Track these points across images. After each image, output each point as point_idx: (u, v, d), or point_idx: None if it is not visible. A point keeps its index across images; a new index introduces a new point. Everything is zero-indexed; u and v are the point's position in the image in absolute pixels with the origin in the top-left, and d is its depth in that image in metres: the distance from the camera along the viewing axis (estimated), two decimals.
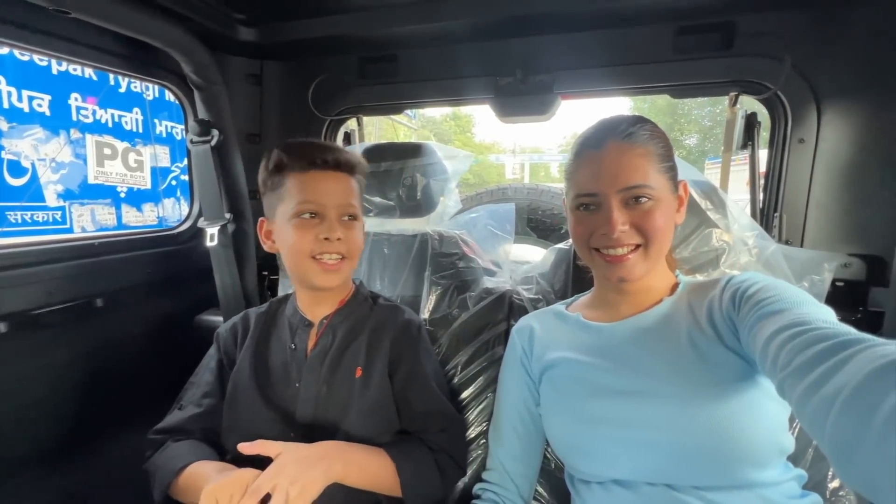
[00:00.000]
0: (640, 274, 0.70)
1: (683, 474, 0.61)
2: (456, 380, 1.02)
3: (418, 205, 1.16)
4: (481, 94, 1.25)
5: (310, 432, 0.81)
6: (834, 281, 1.06)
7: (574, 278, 1.06)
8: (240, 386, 0.87)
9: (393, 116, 6.99)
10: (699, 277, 0.83)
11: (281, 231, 0.85)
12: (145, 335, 1.28)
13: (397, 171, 1.17)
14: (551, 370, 0.77)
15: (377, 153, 1.20)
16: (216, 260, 1.27)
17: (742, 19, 1.06)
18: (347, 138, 1.47)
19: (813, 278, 0.93)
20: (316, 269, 0.83)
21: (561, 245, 1.13)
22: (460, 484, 0.95)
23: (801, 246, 1.12)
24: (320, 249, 0.82)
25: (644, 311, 0.74)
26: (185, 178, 1.52)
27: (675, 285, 0.76)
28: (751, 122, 1.14)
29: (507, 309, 1.09)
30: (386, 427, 0.84)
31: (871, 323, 1.02)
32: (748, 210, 1.19)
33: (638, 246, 0.69)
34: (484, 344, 1.04)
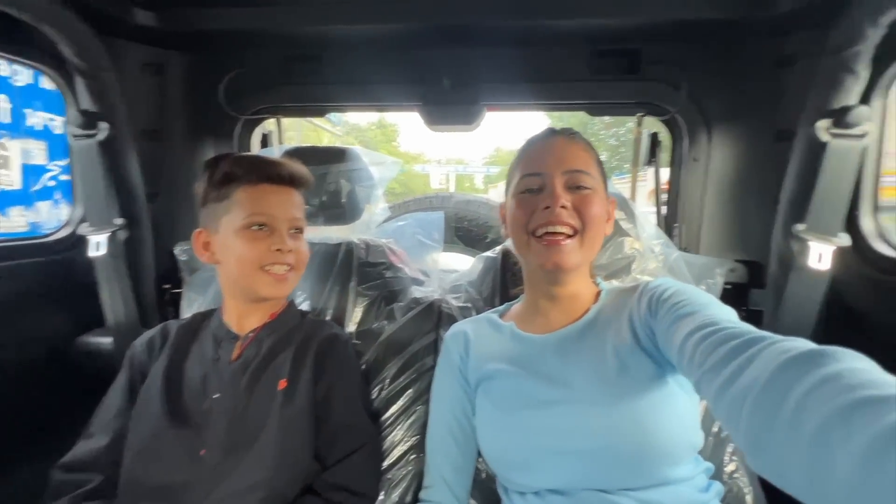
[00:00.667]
0: (575, 263, 0.71)
1: (613, 477, 0.63)
2: (384, 393, 0.98)
3: (343, 211, 1.10)
4: (409, 101, 1.24)
5: (223, 448, 0.76)
6: (723, 284, 1.20)
7: (501, 286, 1.07)
8: (147, 401, 0.81)
9: (316, 121, 6.74)
10: (615, 283, 0.88)
11: (226, 242, 0.83)
12: (15, 362, 1.07)
13: (320, 175, 1.11)
14: (487, 382, 0.76)
15: (299, 157, 1.12)
16: (103, 272, 1.10)
17: (647, 47, 1.16)
18: (265, 140, 1.37)
19: (708, 282, 1.04)
20: (266, 280, 0.83)
21: (489, 253, 1.14)
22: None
23: (698, 253, 1.25)
24: (271, 260, 0.82)
25: (573, 321, 0.76)
26: (69, 178, 1.31)
27: (598, 293, 0.80)
28: (654, 141, 1.26)
29: (436, 318, 1.07)
30: (302, 443, 0.79)
31: (752, 321, 1.15)
32: (654, 220, 1.30)
33: (574, 233, 0.70)
34: (413, 355, 1.01)
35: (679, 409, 0.64)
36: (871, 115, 0.89)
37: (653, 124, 1.30)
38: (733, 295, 1.21)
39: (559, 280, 0.75)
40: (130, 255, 1.13)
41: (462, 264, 1.84)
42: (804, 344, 0.42)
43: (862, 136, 0.86)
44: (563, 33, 1.14)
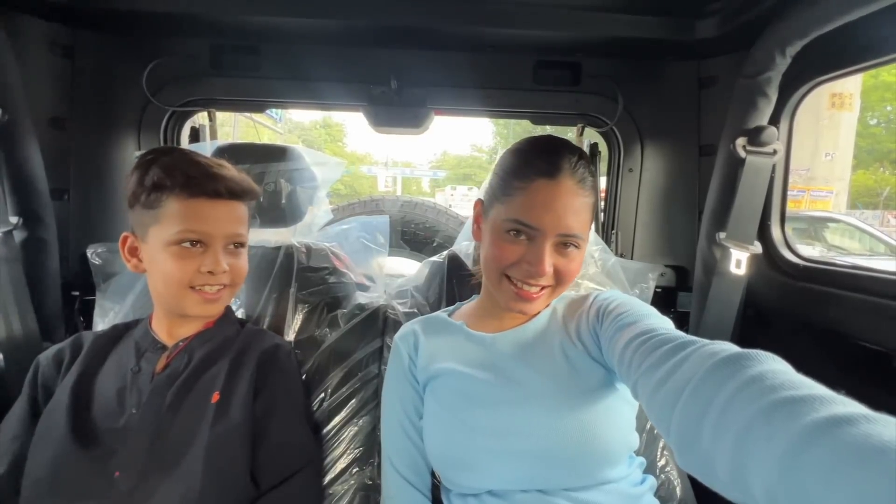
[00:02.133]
0: (540, 308, 0.73)
1: (554, 478, 0.64)
2: (326, 404, 0.93)
3: (282, 214, 1.05)
4: (354, 101, 1.20)
5: (141, 470, 0.69)
6: (654, 287, 1.28)
7: (448, 291, 1.07)
8: (50, 421, 0.72)
9: (255, 118, 6.41)
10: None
11: (154, 255, 0.75)
12: None
13: (257, 175, 1.04)
14: (435, 381, 0.75)
15: (233, 154, 1.05)
16: None
17: (587, 62, 1.21)
18: (196, 134, 1.27)
19: (642, 286, 1.10)
20: (194, 299, 0.76)
21: (435, 258, 1.14)
22: None
23: (632, 257, 1.32)
24: (202, 281, 0.76)
25: (524, 323, 0.77)
26: None
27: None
28: (593, 151, 1.31)
29: (381, 325, 1.04)
30: (235, 464, 0.73)
31: (680, 321, 1.25)
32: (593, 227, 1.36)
33: (548, 287, 0.69)
34: (357, 363, 0.98)
35: (621, 411, 0.67)
36: (780, 136, 0.98)
37: (593, 135, 1.36)
38: (663, 298, 1.29)
39: None
40: (30, 258, 1.00)
41: (408, 269, 1.82)
42: (730, 347, 0.44)
43: (773, 153, 0.95)
44: (510, 42, 1.16)
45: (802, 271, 0.99)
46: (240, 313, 1.03)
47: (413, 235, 1.72)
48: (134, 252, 0.78)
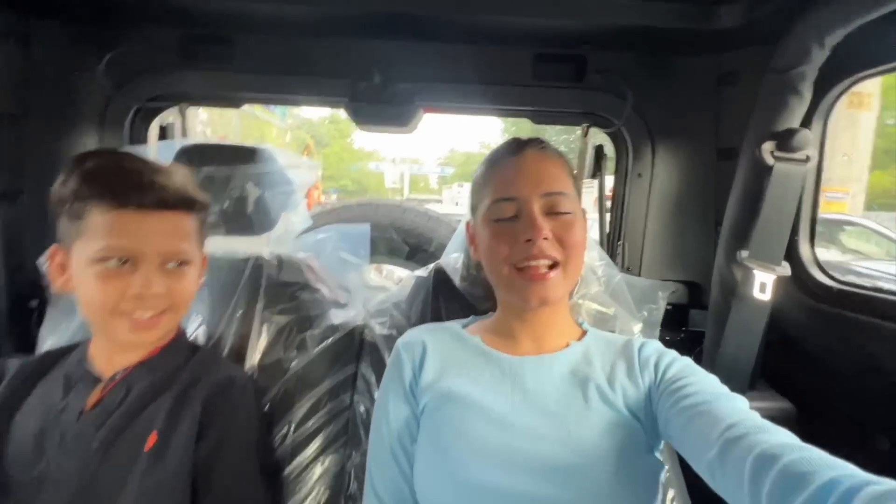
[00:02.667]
0: (560, 296, 0.66)
1: None
2: (289, 441, 0.83)
3: (249, 221, 0.94)
4: (335, 96, 1.09)
5: None
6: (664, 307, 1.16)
7: (433, 310, 0.96)
8: None
9: (258, 112, 6.32)
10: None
11: (78, 274, 0.66)
12: None
13: (223, 178, 0.94)
14: (439, 402, 0.64)
15: (197, 155, 0.95)
16: None
17: (592, 55, 1.09)
18: (164, 133, 1.17)
19: (650, 307, 0.98)
20: (123, 327, 0.66)
21: (420, 272, 1.03)
22: None
23: (640, 272, 1.20)
24: (130, 306, 0.65)
25: (552, 352, 0.68)
26: None
27: (583, 332, 0.73)
28: (599, 153, 1.20)
29: (356, 348, 0.94)
30: None
31: (692, 342, 1.13)
32: (597, 237, 1.24)
33: (556, 264, 0.64)
34: (327, 393, 0.87)
35: (645, 476, 0.59)
36: (813, 140, 0.86)
37: (599, 136, 1.24)
38: (674, 315, 1.17)
39: (533, 319, 0.69)
40: None
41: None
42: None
43: (805, 160, 0.83)
44: (507, 33, 1.05)
45: (836, 295, 0.87)
46: (201, 332, 0.92)
47: (402, 244, 1.61)
48: (62, 269, 0.68)
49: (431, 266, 1.02)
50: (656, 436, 0.61)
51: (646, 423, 0.61)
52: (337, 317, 0.96)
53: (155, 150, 1.07)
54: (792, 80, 0.80)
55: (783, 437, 0.45)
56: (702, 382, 0.59)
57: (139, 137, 1.17)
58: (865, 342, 0.79)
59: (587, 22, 0.96)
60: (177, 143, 1.02)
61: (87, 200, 0.62)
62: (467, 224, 0.77)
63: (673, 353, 0.66)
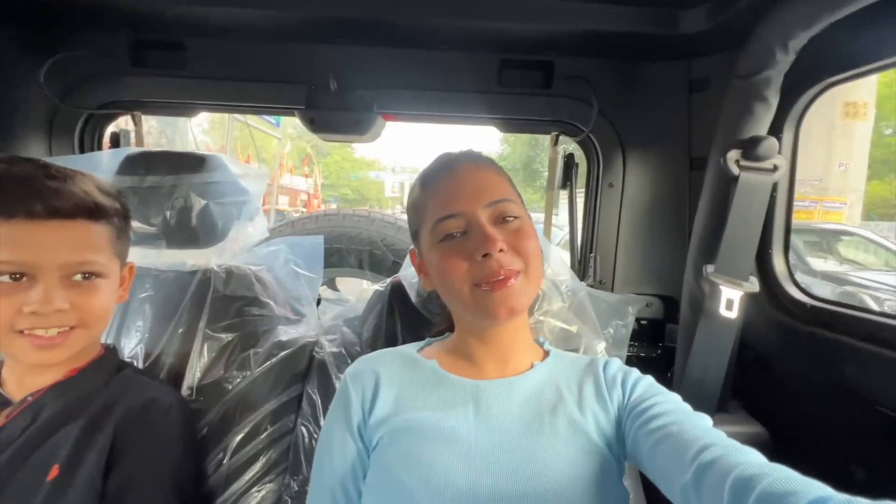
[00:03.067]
0: (525, 303, 0.62)
1: None
2: (224, 467, 0.77)
3: (193, 233, 0.90)
4: (289, 104, 1.05)
5: None
6: (638, 319, 1.11)
7: (387, 327, 0.91)
8: None
9: (250, 121, 6.31)
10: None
11: None
12: None
13: (167, 188, 0.90)
14: (393, 436, 0.58)
15: (142, 163, 0.91)
16: None
17: (559, 60, 1.05)
18: (116, 140, 1.13)
19: (617, 323, 0.93)
20: (25, 346, 0.61)
21: (377, 286, 0.98)
22: None
23: (613, 286, 1.15)
24: (29, 324, 0.61)
25: (514, 375, 0.64)
26: None
27: (545, 353, 0.69)
28: (568, 163, 1.15)
29: (304, 367, 0.89)
30: None
31: (669, 358, 1.08)
32: (565, 256, 1.20)
33: (518, 272, 0.60)
34: (268, 416, 0.82)
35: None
36: (783, 148, 0.82)
37: (570, 145, 1.20)
38: (648, 330, 1.12)
39: (493, 338, 0.65)
40: None
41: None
42: None
43: (772, 169, 0.78)
44: (470, 38, 1.01)
45: (810, 313, 0.82)
46: (139, 351, 0.87)
47: (370, 256, 1.55)
48: None
49: (388, 280, 0.97)
50: (623, 461, 0.58)
51: (616, 450, 0.58)
52: (286, 333, 0.91)
53: (101, 159, 1.04)
54: (757, 85, 0.76)
55: (756, 458, 0.44)
56: (667, 402, 0.57)
57: (91, 145, 1.13)
58: (841, 364, 0.74)
59: (553, 27, 0.93)
60: (124, 150, 0.98)
61: None
62: (411, 252, 0.72)
63: (636, 372, 0.64)
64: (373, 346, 0.89)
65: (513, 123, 1.15)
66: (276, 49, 1.04)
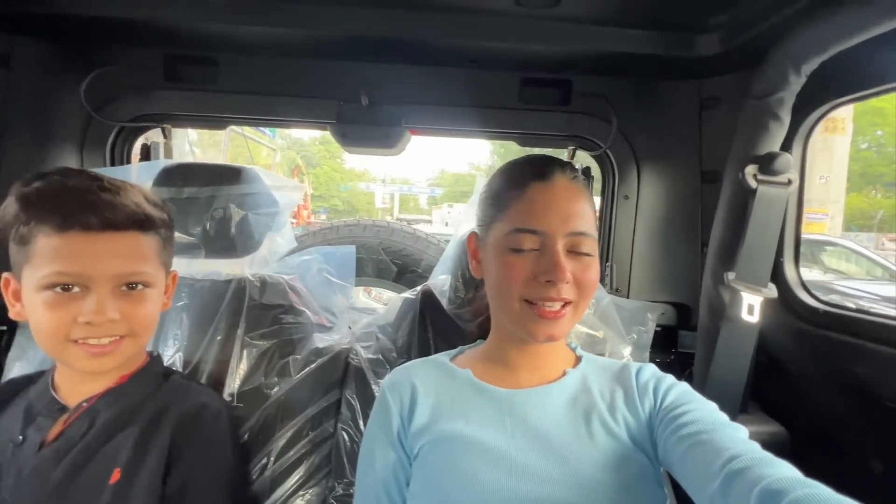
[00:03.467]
0: (566, 332, 0.63)
1: None
2: (269, 472, 0.79)
3: (231, 243, 0.92)
4: (320, 119, 1.09)
5: None
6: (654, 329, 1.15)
7: (420, 334, 0.94)
8: None
9: (247, 133, 6.33)
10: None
11: (28, 301, 0.63)
12: None
13: (206, 199, 0.92)
14: (433, 446, 0.60)
15: (179, 175, 0.94)
16: None
17: (577, 79, 1.11)
18: (147, 152, 1.15)
19: (639, 329, 0.97)
20: (79, 354, 0.62)
21: (407, 294, 1.01)
22: None
23: (628, 294, 1.20)
24: (83, 334, 0.61)
25: (547, 383, 0.65)
26: None
27: (577, 358, 0.70)
28: (586, 175, 1.20)
29: (341, 373, 0.91)
30: None
31: (682, 363, 1.12)
32: None
33: (569, 302, 0.61)
34: (310, 421, 0.84)
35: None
36: (793, 163, 0.87)
37: (585, 159, 1.25)
38: (663, 337, 1.16)
39: (532, 350, 0.66)
40: None
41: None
42: None
43: (787, 183, 0.84)
44: (493, 57, 1.06)
45: (822, 317, 0.87)
46: (178, 359, 0.89)
47: (389, 265, 1.59)
48: (17, 296, 0.65)
49: (419, 288, 1.00)
50: (659, 465, 0.59)
51: (651, 455, 0.59)
52: (321, 341, 0.94)
53: (136, 171, 1.06)
54: (771, 105, 0.82)
55: (787, 472, 0.44)
56: (701, 409, 0.57)
57: (121, 158, 1.15)
58: (852, 364, 0.79)
59: (572, 48, 0.98)
60: (159, 163, 1.00)
61: (30, 224, 0.60)
62: (470, 236, 0.71)
63: (670, 378, 0.65)
64: (407, 352, 0.92)
65: (532, 138, 1.20)
66: (306, 65, 1.08)
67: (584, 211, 0.62)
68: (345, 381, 0.90)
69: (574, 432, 0.59)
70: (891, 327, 0.75)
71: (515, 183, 0.64)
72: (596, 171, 1.26)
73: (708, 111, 1.08)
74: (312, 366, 0.88)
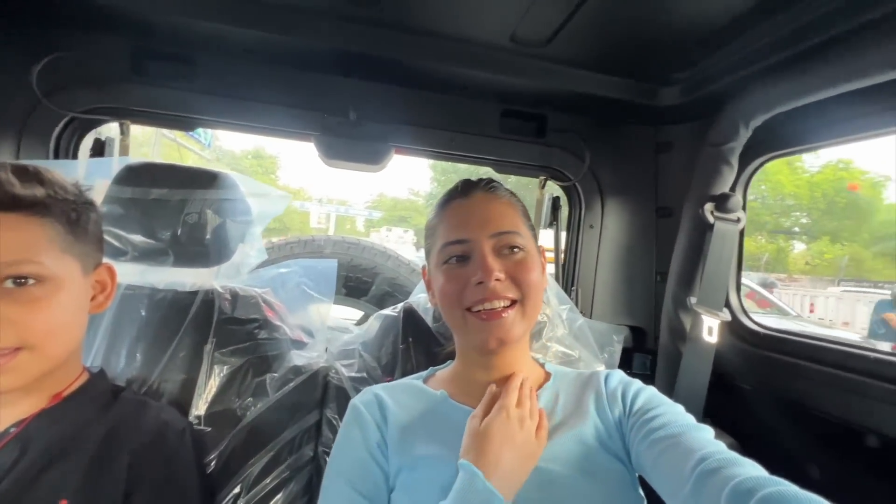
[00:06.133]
0: (518, 335, 0.63)
1: None
2: (242, 502, 0.72)
3: (205, 251, 0.85)
4: (305, 129, 1.06)
5: None
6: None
7: (403, 351, 0.92)
8: None
9: (180, 140, 5.89)
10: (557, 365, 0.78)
11: None
12: None
13: (176, 202, 0.85)
14: (410, 473, 0.58)
15: (147, 175, 0.86)
16: None
17: (552, 115, 1.20)
18: (100, 148, 1.04)
19: (610, 349, 1.04)
20: None
21: (388, 311, 0.99)
22: None
23: (591, 316, 1.27)
24: None
25: None
26: None
27: (546, 375, 0.71)
28: (556, 205, 1.28)
29: (320, 393, 0.86)
30: None
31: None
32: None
33: (514, 302, 0.62)
34: (287, 444, 0.78)
35: None
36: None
37: (554, 188, 1.33)
38: (621, 358, 1.24)
39: (496, 363, 0.66)
40: None
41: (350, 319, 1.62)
42: None
43: (737, 220, 0.96)
44: (477, 87, 1.11)
45: (764, 339, 0.99)
46: (131, 376, 0.79)
47: (356, 281, 1.54)
48: None
49: (400, 306, 0.99)
50: (634, 470, 0.61)
51: (625, 460, 0.60)
52: (300, 358, 0.89)
53: (85, 167, 0.95)
54: (724, 153, 0.95)
55: (754, 471, 0.46)
56: (669, 413, 0.59)
57: (68, 151, 1.02)
58: (793, 381, 0.91)
59: (548, 85, 1.06)
60: (115, 160, 0.91)
61: None
62: (423, 270, 0.75)
63: (637, 383, 0.66)
64: (391, 371, 0.90)
65: (508, 166, 1.26)
66: (292, 75, 1.05)
67: (506, 212, 0.67)
68: (325, 400, 0.85)
69: (548, 448, 0.59)
70: (821, 347, 0.88)
71: (441, 207, 0.70)
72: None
73: (663, 154, 1.22)
74: (291, 385, 0.83)
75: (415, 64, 1.01)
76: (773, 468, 0.48)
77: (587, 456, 0.59)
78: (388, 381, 0.79)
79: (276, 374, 0.83)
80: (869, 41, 0.68)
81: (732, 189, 1.03)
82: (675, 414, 0.59)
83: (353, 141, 1.07)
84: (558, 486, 0.57)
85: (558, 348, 0.98)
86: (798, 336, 0.94)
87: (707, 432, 0.55)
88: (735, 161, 0.96)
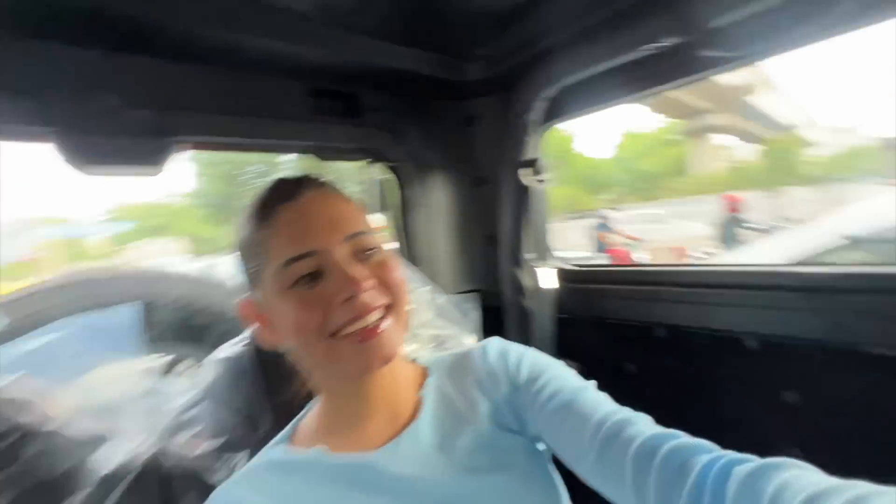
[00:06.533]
0: (398, 344, 0.55)
1: None
2: None
3: None
4: (38, 124, 0.70)
5: None
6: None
7: (268, 394, 0.74)
8: None
9: None
10: (424, 353, 0.74)
11: None
12: None
13: None
14: None
15: None
16: None
17: (365, 93, 1.12)
18: None
19: (472, 316, 1.09)
20: None
21: (225, 352, 0.78)
22: None
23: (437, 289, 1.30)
24: None
25: (409, 423, 0.58)
26: None
27: (423, 371, 0.65)
28: (383, 188, 1.23)
29: (159, 489, 0.62)
30: None
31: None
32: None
33: (387, 309, 0.54)
34: None
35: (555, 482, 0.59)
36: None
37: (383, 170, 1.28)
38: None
39: (371, 392, 0.58)
40: None
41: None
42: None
43: (545, 181, 1.11)
44: (276, 62, 0.94)
45: (577, 274, 1.20)
46: None
47: (188, 322, 1.10)
48: None
49: (238, 339, 0.79)
50: (537, 441, 0.60)
51: (527, 433, 0.59)
52: (109, 460, 0.61)
53: None
54: (526, 122, 1.07)
55: (649, 428, 0.48)
56: (556, 378, 0.58)
57: None
58: (603, 303, 1.13)
59: (356, 59, 0.98)
60: None
61: None
62: (242, 305, 0.59)
63: (514, 351, 0.63)
64: (253, 425, 0.72)
65: (327, 151, 1.13)
66: (12, 47, 0.67)
67: (348, 210, 0.58)
68: (172, 498, 0.62)
69: (452, 464, 0.55)
70: (614, 272, 1.11)
71: (264, 216, 0.55)
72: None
73: (471, 127, 1.30)
74: (112, 499, 0.57)
75: (190, 30, 0.78)
76: (606, 383, 0.57)
77: (489, 454, 0.56)
78: (262, 438, 0.63)
79: (75, 500, 0.55)
80: (624, 27, 0.84)
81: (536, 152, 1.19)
82: (560, 378, 0.58)
83: (117, 137, 0.76)
84: (476, 490, 0.54)
85: (429, 332, 0.96)
86: (601, 266, 1.17)
87: (592, 391, 0.56)
88: (535, 129, 1.09)
